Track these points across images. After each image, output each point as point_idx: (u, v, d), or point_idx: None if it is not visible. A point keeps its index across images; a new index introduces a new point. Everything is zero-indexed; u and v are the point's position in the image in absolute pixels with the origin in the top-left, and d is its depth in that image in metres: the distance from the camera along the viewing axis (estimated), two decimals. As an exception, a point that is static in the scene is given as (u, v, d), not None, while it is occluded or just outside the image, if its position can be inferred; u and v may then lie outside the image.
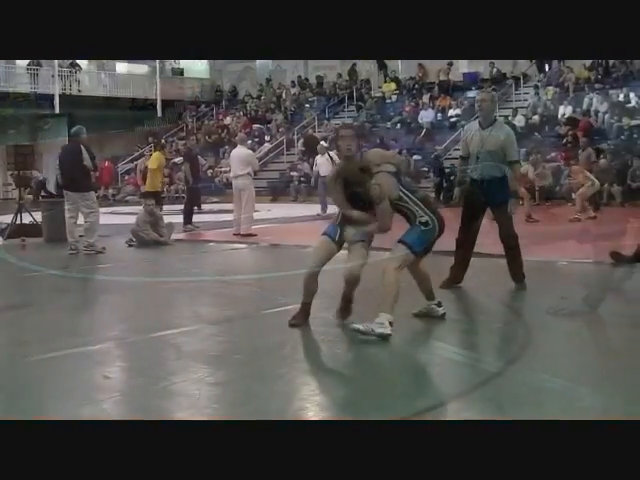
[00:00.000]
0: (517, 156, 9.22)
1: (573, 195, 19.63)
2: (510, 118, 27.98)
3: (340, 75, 37.03)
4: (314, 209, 21.19)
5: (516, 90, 31.13)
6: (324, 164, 21.43)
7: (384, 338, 6.40)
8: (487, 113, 8.91)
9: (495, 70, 32.05)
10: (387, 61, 35.31)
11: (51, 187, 17.10)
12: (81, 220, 14.03)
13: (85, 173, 13.97)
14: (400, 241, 6.78)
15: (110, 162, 34.67)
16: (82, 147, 13.99)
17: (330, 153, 22.05)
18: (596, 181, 18.58)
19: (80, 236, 13.99)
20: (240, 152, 16.76)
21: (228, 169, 21.92)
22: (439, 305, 7.32)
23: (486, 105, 8.91)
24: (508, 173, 8.82)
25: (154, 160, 18.29)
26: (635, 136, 24.94)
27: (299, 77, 38.77)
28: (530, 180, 20.72)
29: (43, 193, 24.17)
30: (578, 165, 20.30)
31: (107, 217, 17.92)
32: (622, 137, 25.29)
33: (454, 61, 32.13)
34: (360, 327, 6.47)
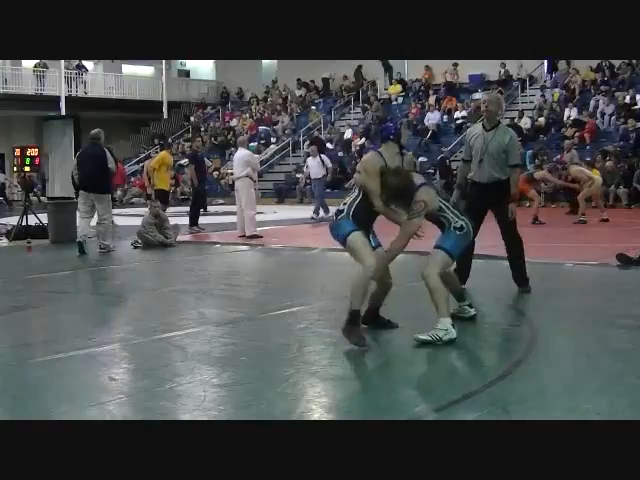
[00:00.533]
0: (519, 160, 9.16)
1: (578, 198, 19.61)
2: (516, 120, 28.00)
3: (346, 77, 37.00)
4: (320, 211, 20.98)
5: (522, 92, 31.11)
6: (315, 167, 21.07)
7: (452, 342, 6.41)
8: (492, 115, 8.81)
9: (503, 71, 31.98)
10: (392, 63, 35.29)
11: (55, 189, 17.12)
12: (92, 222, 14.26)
13: (107, 175, 14.25)
14: (438, 247, 6.72)
15: (121, 163, 34.74)
16: (106, 150, 14.28)
17: (322, 156, 21.69)
18: (594, 177, 18.49)
19: (89, 237, 14.11)
20: (240, 154, 16.91)
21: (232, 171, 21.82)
22: (470, 306, 7.37)
23: (492, 106, 8.81)
24: (511, 176, 8.74)
25: (159, 159, 18.26)
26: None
27: (298, 80, 38.66)
28: (553, 183, 20.55)
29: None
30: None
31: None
32: (629, 140, 25.18)
33: (460, 63, 32.08)
34: (427, 338, 6.41)
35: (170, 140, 33.76)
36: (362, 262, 6.47)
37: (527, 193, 18.58)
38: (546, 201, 22.66)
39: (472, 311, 7.34)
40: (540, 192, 21.73)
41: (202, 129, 38.26)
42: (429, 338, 6.36)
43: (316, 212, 20.42)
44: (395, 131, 7.01)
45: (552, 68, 31.47)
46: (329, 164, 21.63)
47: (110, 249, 13.97)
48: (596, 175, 18.81)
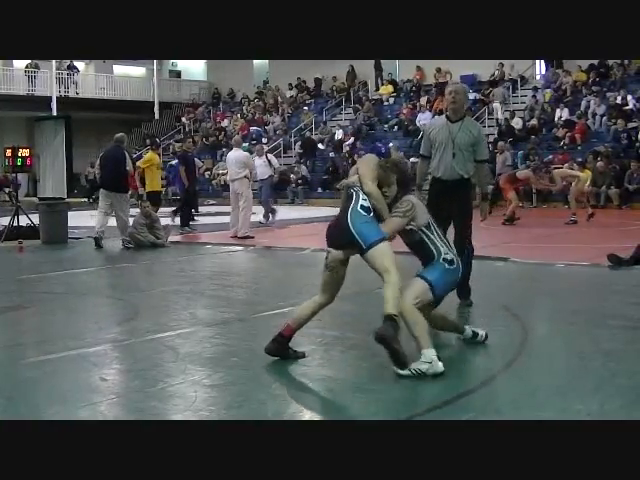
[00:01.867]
0: (487, 155, 8.53)
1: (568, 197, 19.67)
2: (508, 120, 28.03)
3: (335, 79, 36.96)
4: (312, 212, 20.86)
5: (513, 92, 31.14)
6: (260, 166, 19.57)
7: (439, 375, 5.62)
8: (459, 106, 8.06)
9: (498, 72, 31.93)
10: (383, 64, 35.31)
11: (47, 189, 17.18)
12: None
13: (125, 176, 15.17)
14: (420, 276, 6.11)
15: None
16: (126, 152, 15.32)
17: (269, 155, 20.62)
18: (580, 174, 18.50)
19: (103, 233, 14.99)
20: (236, 155, 16.83)
21: (225, 171, 21.48)
22: (475, 335, 6.62)
23: (459, 97, 8.03)
24: (479, 172, 8.20)
25: (146, 160, 18.31)
26: (633, 138, 24.92)
27: (290, 84, 38.63)
28: (544, 184, 20.50)
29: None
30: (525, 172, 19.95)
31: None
32: (620, 141, 25.21)
33: (452, 64, 32.04)
34: (407, 372, 5.62)
35: (158, 140, 33.70)
36: (390, 271, 5.72)
37: (507, 194, 18.34)
38: (538, 202, 22.71)
39: (481, 332, 6.65)
40: (532, 192, 21.79)
41: (187, 129, 38.27)
42: (413, 372, 5.61)
43: (266, 216, 19.53)
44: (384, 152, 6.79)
45: (550, 65, 31.32)
46: (276, 164, 20.75)
47: (129, 243, 14.81)
48: (584, 174, 18.81)
